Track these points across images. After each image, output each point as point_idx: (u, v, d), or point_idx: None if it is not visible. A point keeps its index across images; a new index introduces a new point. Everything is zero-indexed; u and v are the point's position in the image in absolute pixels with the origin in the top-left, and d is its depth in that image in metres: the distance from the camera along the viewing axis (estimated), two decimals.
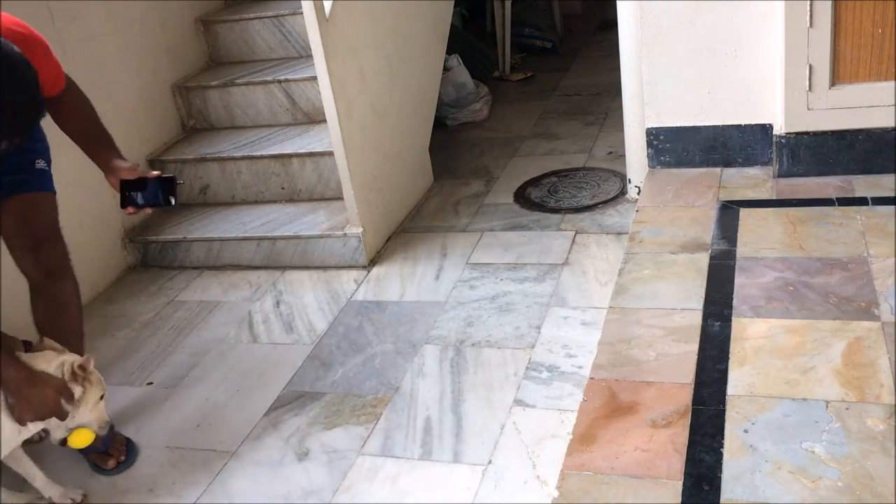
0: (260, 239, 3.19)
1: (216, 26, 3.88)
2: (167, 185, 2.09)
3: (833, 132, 2.86)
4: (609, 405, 1.98)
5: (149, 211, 2.12)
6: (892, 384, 1.89)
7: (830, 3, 2.69)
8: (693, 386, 1.99)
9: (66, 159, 2.28)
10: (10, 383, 1.78)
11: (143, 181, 2.08)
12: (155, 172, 2.11)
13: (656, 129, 3.12)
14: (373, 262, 3.12)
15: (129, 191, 2.08)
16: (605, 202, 3.32)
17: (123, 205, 2.09)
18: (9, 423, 1.86)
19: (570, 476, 1.79)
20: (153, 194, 2.08)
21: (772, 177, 2.98)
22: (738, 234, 2.63)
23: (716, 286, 2.38)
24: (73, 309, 2.17)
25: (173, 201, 2.10)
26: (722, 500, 1.66)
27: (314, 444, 2.22)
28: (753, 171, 3.05)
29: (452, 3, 3.99)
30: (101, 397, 1.99)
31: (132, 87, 3.46)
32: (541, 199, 3.45)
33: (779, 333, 2.13)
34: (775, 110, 2.93)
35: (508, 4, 5.04)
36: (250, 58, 3.88)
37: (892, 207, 2.63)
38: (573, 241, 3.06)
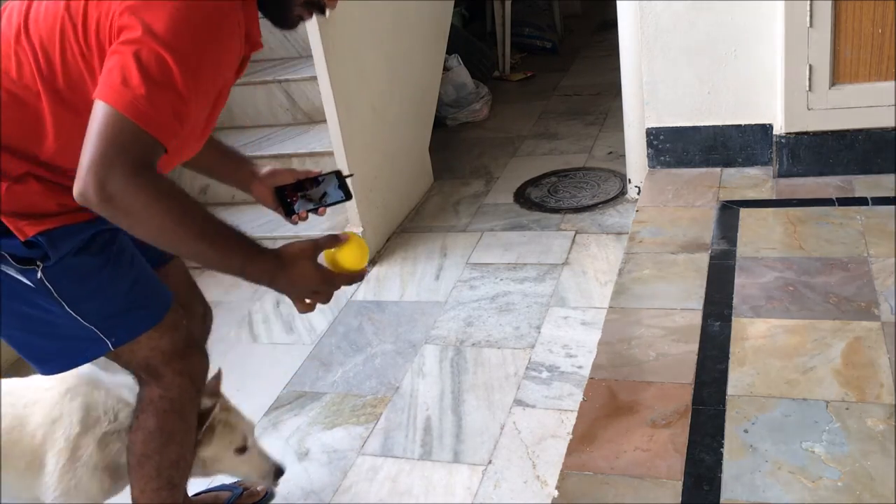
0: (260, 239, 3.18)
1: None
2: (335, 181, 1.73)
3: (833, 132, 2.86)
4: (609, 405, 1.98)
5: (323, 213, 1.75)
6: (892, 384, 1.89)
7: (830, 3, 2.69)
8: (693, 386, 1.99)
9: None
10: (264, 278, 1.46)
11: (304, 183, 1.72)
12: (315, 171, 1.76)
13: (656, 129, 3.12)
14: (373, 262, 3.12)
15: (288, 197, 1.71)
16: (605, 202, 3.32)
17: (290, 213, 1.71)
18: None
19: (570, 476, 1.79)
20: (326, 192, 1.71)
21: (772, 177, 2.98)
22: (738, 234, 2.63)
23: (716, 286, 2.37)
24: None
25: (350, 195, 1.75)
26: (722, 500, 1.66)
27: (314, 444, 2.22)
28: (753, 171, 3.04)
29: (452, 2, 3.98)
30: (242, 449, 1.77)
31: None
32: (541, 199, 3.45)
33: (779, 333, 2.13)
34: (775, 110, 2.93)
35: (508, 4, 5.04)
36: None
37: (892, 207, 2.62)
38: (573, 241, 3.06)
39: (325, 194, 1.71)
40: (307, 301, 1.51)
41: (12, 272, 1.44)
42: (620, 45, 3.10)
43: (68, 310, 1.48)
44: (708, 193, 2.93)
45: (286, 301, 2.91)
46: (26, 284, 1.45)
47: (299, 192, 1.71)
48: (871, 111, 2.80)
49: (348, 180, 1.75)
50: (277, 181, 1.72)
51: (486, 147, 4.11)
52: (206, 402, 1.73)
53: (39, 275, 1.44)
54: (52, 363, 1.57)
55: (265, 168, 1.75)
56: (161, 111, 1.25)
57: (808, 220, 2.65)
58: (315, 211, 1.72)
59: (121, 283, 1.53)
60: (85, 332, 1.51)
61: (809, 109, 2.85)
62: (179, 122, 1.29)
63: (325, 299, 1.52)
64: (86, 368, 1.64)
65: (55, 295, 1.46)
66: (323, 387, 2.46)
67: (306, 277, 1.46)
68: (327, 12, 1.52)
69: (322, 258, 1.52)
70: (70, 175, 1.27)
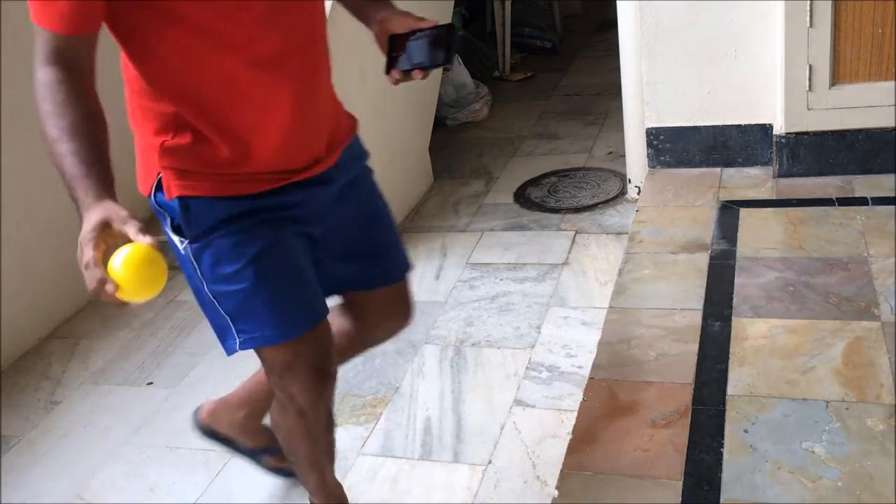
0: None
1: None
2: (442, 39, 1.46)
3: (833, 132, 2.86)
4: (609, 405, 1.98)
5: (419, 76, 1.48)
6: (892, 384, 1.89)
7: (830, 3, 2.69)
8: (693, 386, 1.99)
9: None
10: (78, 207, 1.26)
11: (412, 35, 1.49)
12: (430, 22, 1.49)
13: (656, 129, 3.12)
14: None
15: (396, 51, 1.52)
16: (605, 202, 3.32)
17: (388, 68, 1.54)
18: None
19: (570, 476, 1.79)
20: (423, 52, 1.48)
21: (772, 177, 2.98)
22: (738, 234, 2.63)
23: (716, 286, 2.38)
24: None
25: (451, 60, 1.47)
26: (722, 500, 1.66)
27: None
28: (753, 171, 3.05)
29: (452, 3, 3.98)
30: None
31: None
32: (541, 199, 3.45)
33: (779, 333, 2.13)
34: (775, 110, 2.93)
35: (508, 4, 5.04)
36: None
37: (892, 207, 2.63)
38: (573, 241, 3.06)
39: (429, 55, 1.47)
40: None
41: (176, 238, 1.41)
42: (620, 45, 3.10)
43: (207, 291, 1.44)
44: (708, 193, 2.93)
45: None
46: (182, 254, 1.42)
47: (405, 47, 1.50)
48: (871, 111, 2.80)
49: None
50: (393, 27, 1.52)
51: (486, 147, 4.10)
52: None
53: (186, 244, 1.40)
54: (225, 342, 1.53)
55: (393, 14, 1.55)
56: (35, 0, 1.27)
57: (808, 220, 2.65)
58: (411, 73, 1.47)
59: (260, 286, 1.43)
60: (226, 322, 1.46)
61: (809, 109, 2.85)
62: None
63: (88, 282, 1.19)
64: None
65: (199, 270, 1.42)
66: None
67: (83, 233, 1.18)
68: None
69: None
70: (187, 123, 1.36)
